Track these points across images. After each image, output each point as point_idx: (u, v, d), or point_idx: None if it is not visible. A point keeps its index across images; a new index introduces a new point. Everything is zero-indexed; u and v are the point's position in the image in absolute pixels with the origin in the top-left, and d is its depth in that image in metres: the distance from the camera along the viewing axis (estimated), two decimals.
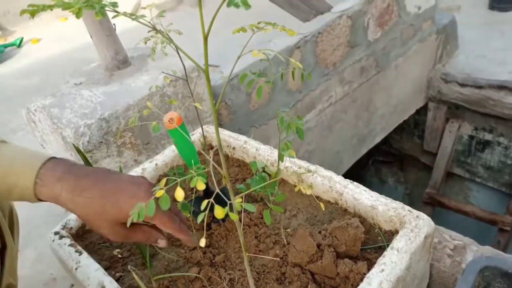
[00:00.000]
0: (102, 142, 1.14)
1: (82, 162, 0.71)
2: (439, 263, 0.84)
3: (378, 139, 2.59)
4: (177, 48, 0.48)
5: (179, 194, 0.35)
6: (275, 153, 0.97)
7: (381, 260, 0.67)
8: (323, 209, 0.63)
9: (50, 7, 0.37)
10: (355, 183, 0.85)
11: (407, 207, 0.76)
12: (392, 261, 0.66)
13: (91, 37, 1.31)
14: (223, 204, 0.94)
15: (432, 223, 0.74)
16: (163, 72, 0.84)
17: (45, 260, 1.28)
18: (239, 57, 0.48)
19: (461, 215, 2.96)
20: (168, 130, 0.75)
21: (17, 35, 3.46)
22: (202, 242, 0.37)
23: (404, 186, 3.73)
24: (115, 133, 1.16)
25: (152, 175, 1.01)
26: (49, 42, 3.18)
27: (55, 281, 1.20)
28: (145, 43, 0.77)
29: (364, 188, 0.83)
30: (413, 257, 0.68)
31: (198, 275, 0.76)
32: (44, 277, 1.22)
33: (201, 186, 0.35)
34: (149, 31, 0.74)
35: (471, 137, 2.85)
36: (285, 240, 0.81)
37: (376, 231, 0.79)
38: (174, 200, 0.40)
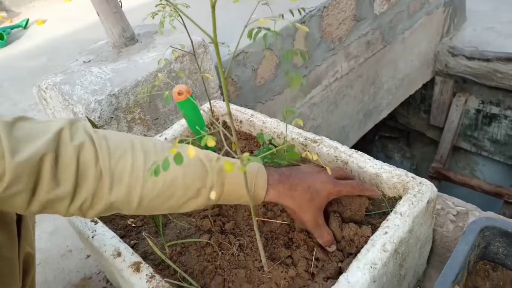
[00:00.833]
0: (112, 117, 1.16)
1: None
2: (442, 228, 0.87)
3: (384, 114, 2.59)
4: (185, 21, 0.50)
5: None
6: (281, 125, 0.99)
7: (384, 224, 0.70)
8: (329, 173, 0.65)
9: None
10: (359, 152, 0.87)
11: (410, 174, 0.78)
12: (395, 224, 0.69)
13: (98, 14, 1.33)
14: None
15: (434, 188, 0.76)
16: (171, 46, 0.85)
17: (61, 233, 1.32)
18: (246, 27, 0.49)
19: (467, 189, 2.98)
20: (177, 103, 0.77)
21: (23, 16, 3.46)
22: None
23: (410, 162, 3.75)
24: (124, 108, 1.18)
25: None
26: (55, 23, 3.18)
27: (71, 253, 1.25)
28: (153, 17, 0.79)
29: (369, 157, 0.85)
30: (415, 221, 0.71)
31: (209, 241, 0.79)
32: (61, 249, 1.27)
33: (211, 143, 0.37)
34: (156, 5, 0.76)
35: (478, 111, 2.84)
36: None
37: (380, 198, 0.82)
38: None
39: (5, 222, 0.65)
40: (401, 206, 0.72)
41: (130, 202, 0.59)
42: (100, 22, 1.35)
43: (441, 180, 3.10)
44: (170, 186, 0.60)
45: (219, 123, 0.49)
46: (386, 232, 0.68)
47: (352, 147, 0.89)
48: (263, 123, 1.02)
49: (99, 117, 1.13)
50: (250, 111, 1.06)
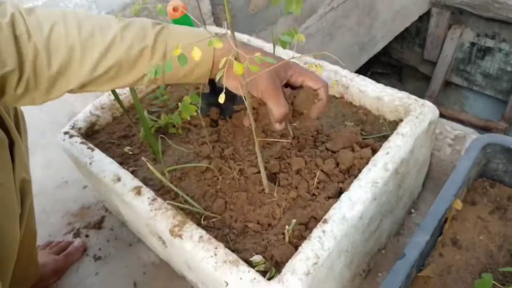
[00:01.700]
0: None
1: None
2: (439, 152, 0.88)
3: (379, 47, 2.53)
4: None
5: (196, 53, 0.35)
6: (280, 50, 0.96)
7: (386, 144, 0.70)
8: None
9: None
10: (361, 76, 0.85)
11: (413, 96, 0.77)
12: (397, 145, 0.69)
13: None
14: (231, 100, 0.93)
15: (436, 110, 0.75)
16: None
17: (55, 165, 1.31)
18: None
19: (456, 124, 3.01)
20: (172, 21, 0.73)
21: None
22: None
23: None
24: None
25: None
26: None
27: (67, 184, 1.25)
28: None
29: (370, 80, 0.84)
30: (416, 142, 0.71)
31: (209, 166, 0.79)
32: (56, 180, 1.26)
33: (219, 44, 0.34)
34: None
35: (473, 44, 2.79)
36: (291, 133, 0.83)
37: (380, 121, 0.81)
38: None
39: None
40: (403, 128, 0.71)
41: (75, 71, 0.60)
42: None
43: None
44: (111, 44, 0.60)
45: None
46: (387, 152, 0.68)
47: None
48: (261, 48, 0.98)
49: None
50: (246, 36, 1.02)
